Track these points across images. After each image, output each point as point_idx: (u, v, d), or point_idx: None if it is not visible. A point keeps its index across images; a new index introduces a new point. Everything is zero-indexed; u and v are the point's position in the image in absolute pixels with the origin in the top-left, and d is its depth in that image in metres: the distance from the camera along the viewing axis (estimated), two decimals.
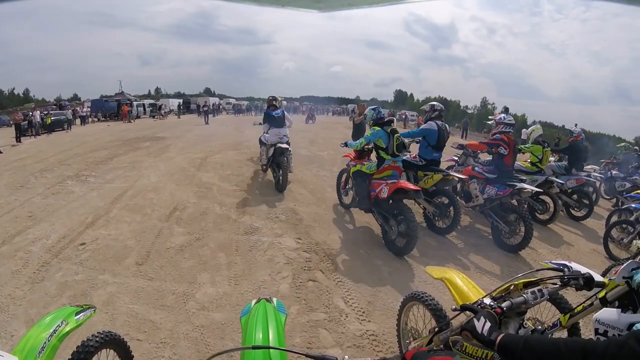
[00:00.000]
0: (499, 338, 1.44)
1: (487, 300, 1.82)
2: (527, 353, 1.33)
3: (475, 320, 1.57)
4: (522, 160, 8.56)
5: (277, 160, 8.32)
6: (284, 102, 11.88)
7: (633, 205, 6.74)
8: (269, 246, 5.51)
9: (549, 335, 3.06)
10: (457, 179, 6.70)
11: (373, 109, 6.44)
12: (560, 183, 8.03)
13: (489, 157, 7.42)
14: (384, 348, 3.60)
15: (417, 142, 7.41)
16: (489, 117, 7.59)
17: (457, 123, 28.56)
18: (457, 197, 6.97)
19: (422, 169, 6.92)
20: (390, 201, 5.71)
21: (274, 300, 2.27)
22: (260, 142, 9.25)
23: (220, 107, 44.15)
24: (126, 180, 8.93)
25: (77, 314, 2.24)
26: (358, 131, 10.80)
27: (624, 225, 6.67)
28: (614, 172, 11.17)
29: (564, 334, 3.15)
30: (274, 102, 9.24)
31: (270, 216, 6.68)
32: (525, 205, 7.42)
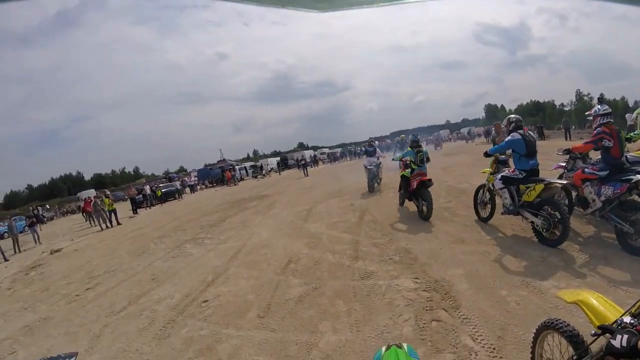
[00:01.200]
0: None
1: (627, 319, 1.65)
2: None
3: (612, 340, 1.47)
4: (635, 151, 7.06)
5: (420, 193, 8.97)
6: (376, 142, 18.68)
7: None
8: (386, 289, 5.41)
9: None
10: (559, 185, 6.22)
11: (412, 135, 10.26)
12: None
13: (599, 156, 6.41)
14: None
15: (508, 156, 7.38)
16: (586, 113, 6.71)
17: (557, 125, 26.61)
18: (576, 207, 6.68)
19: (523, 182, 6.61)
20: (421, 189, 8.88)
21: (405, 345, 2.18)
22: (365, 167, 14.72)
23: (316, 157, 45.64)
24: (239, 239, 9.35)
25: None
26: None
27: None
28: None
29: None
30: (371, 142, 16.09)
31: (383, 258, 6.59)
32: None
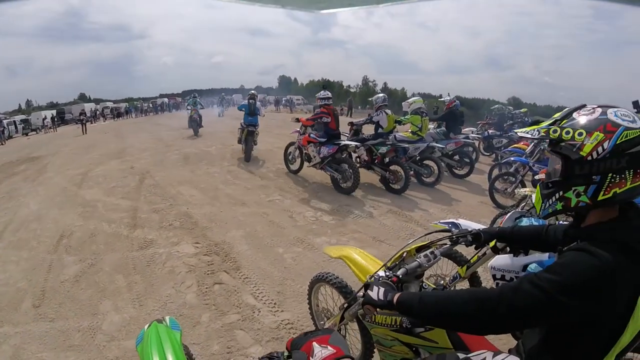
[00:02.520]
0: (395, 297, 1.55)
1: (382, 273, 1.90)
2: (423, 307, 1.46)
3: (369, 292, 1.65)
4: (404, 131, 9.44)
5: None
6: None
7: (512, 159, 7.43)
8: (167, 257, 5.29)
9: (452, 288, 3.30)
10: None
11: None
12: (441, 147, 9.32)
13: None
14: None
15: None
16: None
17: (342, 103, 29.38)
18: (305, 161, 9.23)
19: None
20: None
21: (167, 318, 2.27)
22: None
23: (97, 112, 41.22)
24: (5, 213, 8.04)
25: None
26: None
27: (505, 177, 7.33)
28: (490, 131, 12.48)
29: (465, 284, 3.38)
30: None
31: (163, 225, 6.43)
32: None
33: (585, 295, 1.20)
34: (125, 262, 5.26)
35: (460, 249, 2.53)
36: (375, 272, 1.94)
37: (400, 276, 1.86)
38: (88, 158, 13.34)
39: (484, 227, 2.37)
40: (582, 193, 1.34)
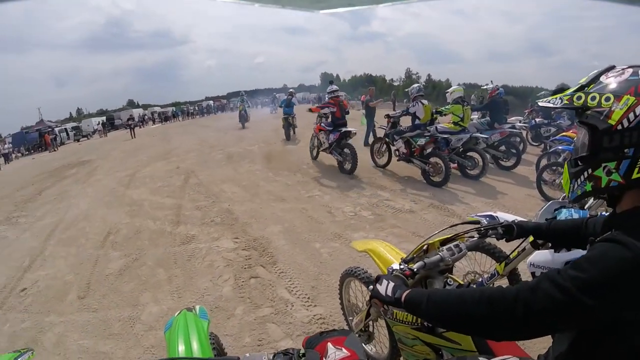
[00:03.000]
0: (404, 295, 1.41)
1: (395, 265, 1.81)
2: (431, 306, 1.30)
3: (378, 285, 1.54)
4: (446, 122, 9.18)
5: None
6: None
7: (560, 148, 7.07)
8: (207, 252, 5.42)
9: (490, 285, 3.11)
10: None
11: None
12: (485, 138, 8.86)
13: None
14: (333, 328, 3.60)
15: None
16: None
17: (386, 97, 29.28)
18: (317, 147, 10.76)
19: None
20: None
21: (197, 307, 2.28)
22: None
23: (146, 117, 42.50)
24: (57, 214, 8.50)
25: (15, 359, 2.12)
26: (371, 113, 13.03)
27: (553, 168, 6.91)
28: (537, 119, 11.88)
29: (504, 282, 3.21)
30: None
31: (205, 221, 6.58)
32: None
33: (615, 294, 1.01)
34: (167, 257, 5.42)
35: (504, 245, 2.38)
36: (391, 265, 1.86)
37: (415, 269, 1.75)
38: (135, 160, 13.86)
39: (520, 219, 2.24)
40: (614, 170, 1.12)
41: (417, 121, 8.73)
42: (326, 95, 10.41)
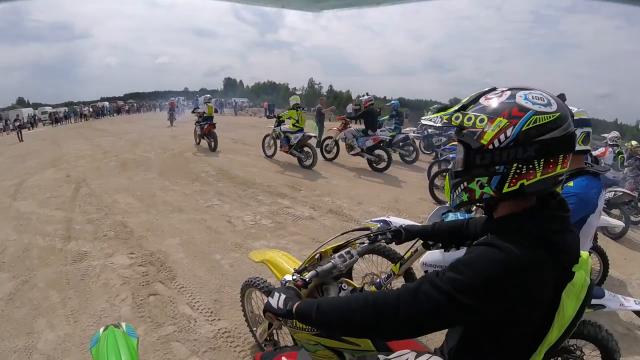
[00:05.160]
0: (294, 307, 1.47)
1: (288, 277, 1.86)
2: (320, 316, 1.36)
3: (270, 298, 1.58)
4: (289, 124, 11.68)
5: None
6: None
7: (451, 156, 7.68)
8: (101, 270, 5.14)
9: (387, 285, 3.31)
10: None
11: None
12: (313, 135, 11.76)
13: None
14: (239, 341, 3.63)
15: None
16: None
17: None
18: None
19: None
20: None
21: (123, 325, 2.20)
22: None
23: (36, 117, 39.35)
24: None
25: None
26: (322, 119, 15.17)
27: (444, 174, 7.53)
28: (429, 130, 12.84)
29: (401, 281, 3.42)
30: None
31: (97, 236, 6.23)
32: None
33: (491, 294, 1.10)
34: (59, 277, 5.07)
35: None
36: (284, 277, 1.91)
37: (308, 279, 1.80)
38: (23, 167, 12.88)
39: (409, 223, 2.40)
40: (486, 184, 1.23)
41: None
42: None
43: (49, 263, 5.48)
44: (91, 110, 41.95)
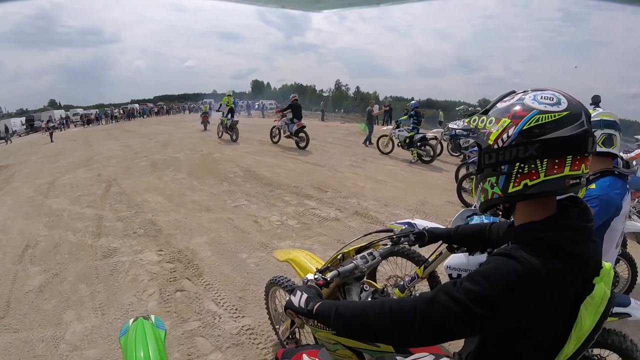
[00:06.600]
0: (315, 307, 1.47)
1: (310, 276, 1.84)
2: (338, 319, 1.36)
3: (291, 296, 1.60)
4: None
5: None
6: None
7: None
8: (130, 265, 5.26)
9: (411, 288, 3.29)
10: None
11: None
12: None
13: None
14: (262, 338, 3.67)
15: None
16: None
17: (314, 107, 30.10)
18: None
19: None
20: None
21: (152, 317, 2.26)
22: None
23: (68, 119, 40.14)
24: None
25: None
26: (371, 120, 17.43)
27: (472, 177, 7.28)
28: (457, 131, 12.53)
29: (425, 284, 3.40)
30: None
31: (127, 233, 6.37)
32: None
33: (507, 306, 1.09)
34: (88, 271, 5.19)
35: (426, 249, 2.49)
36: (306, 276, 1.89)
37: (329, 279, 1.79)
38: (55, 166, 13.21)
39: (434, 225, 2.39)
40: (495, 184, 1.24)
41: None
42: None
43: (79, 258, 5.62)
44: (122, 112, 42.67)
